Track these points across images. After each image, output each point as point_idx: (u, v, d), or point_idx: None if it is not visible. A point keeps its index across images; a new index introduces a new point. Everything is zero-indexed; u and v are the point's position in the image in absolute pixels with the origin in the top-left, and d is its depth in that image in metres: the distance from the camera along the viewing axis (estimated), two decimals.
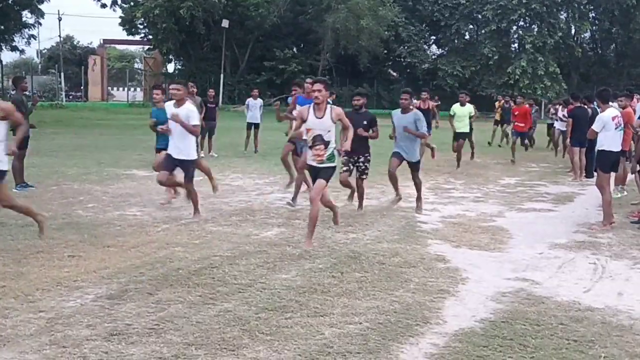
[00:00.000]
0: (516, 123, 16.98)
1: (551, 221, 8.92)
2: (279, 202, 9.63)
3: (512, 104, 20.56)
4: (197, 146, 15.37)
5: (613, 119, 8.38)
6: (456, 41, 49.79)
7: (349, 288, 5.47)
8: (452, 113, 15.07)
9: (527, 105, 18.03)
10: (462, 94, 15.43)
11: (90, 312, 4.74)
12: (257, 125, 17.30)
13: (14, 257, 6.17)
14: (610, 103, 13.69)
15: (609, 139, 8.35)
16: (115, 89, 58.36)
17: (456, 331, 4.57)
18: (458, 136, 14.84)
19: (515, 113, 17.11)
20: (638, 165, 9.16)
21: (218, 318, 4.67)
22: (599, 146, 8.46)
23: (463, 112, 14.96)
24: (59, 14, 52.51)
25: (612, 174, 10.12)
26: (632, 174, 9.99)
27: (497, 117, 22.25)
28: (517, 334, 4.52)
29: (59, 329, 4.39)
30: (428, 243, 7.29)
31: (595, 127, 8.48)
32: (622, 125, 8.64)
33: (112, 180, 11.49)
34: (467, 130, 14.96)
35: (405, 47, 47.32)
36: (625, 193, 10.95)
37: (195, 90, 15.52)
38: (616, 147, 8.42)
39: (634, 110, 12.24)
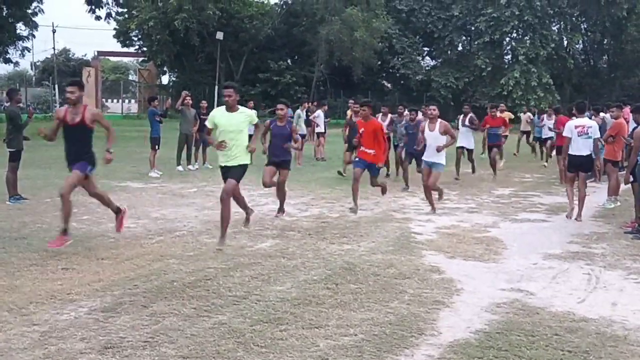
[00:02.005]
0: (362, 148, 9.89)
1: (545, 232, 8.95)
2: (273, 214, 9.63)
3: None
4: (190, 158, 15.55)
5: (576, 127, 9.78)
6: (449, 53, 50.11)
7: (344, 300, 5.47)
8: (209, 125, 8.09)
9: (378, 119, 11.92)
10: (230, 89, 7.82)
11: (84, 325, 4.72)
12: (251, 137, 17.27)
13: (8, 270, 6.15)
14: (602, 114, 13.90)
15: (573, 144, 9.77)
16: (109, 100, 58.37)
17: (451, 342, 4.57)
18: (225, 173, 7.83)
19: (360, 131, 9.90)
20: (631, 177, 9.21)
21: (213, 330, 4.66)
22: (569, 150, 9.94)
23: (231, 123, 7.77)
24: (53, 26, 52.67)
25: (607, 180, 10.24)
26: (625, 184, 10.04)
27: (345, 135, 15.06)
28: (512, 345, 4.52)
29: (53, 342, 4.37)
30: (423, 254, 7.30)
31: (565, 133, 10.07)
32: (588, 134, 9.69)
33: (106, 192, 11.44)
34: (240, 162, 7.82)
35: (399, 59, 47.59)
36: (619, 203, 11.00)
37: (190, 102, 15.58)
38: (579, 151, 9.73)
39: (626, 120, 12.41)
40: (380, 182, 10.31)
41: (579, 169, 9.80)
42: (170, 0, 41.48)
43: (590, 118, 11.68)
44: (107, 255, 6.84)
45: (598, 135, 10.10)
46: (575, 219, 9.70)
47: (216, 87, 44.15)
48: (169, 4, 41.75)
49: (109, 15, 47.99)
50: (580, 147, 9.73)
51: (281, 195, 9.46)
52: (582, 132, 9.72)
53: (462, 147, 14.79)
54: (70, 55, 64.67)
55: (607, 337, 4.74)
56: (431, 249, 7.56)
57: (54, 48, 54.95)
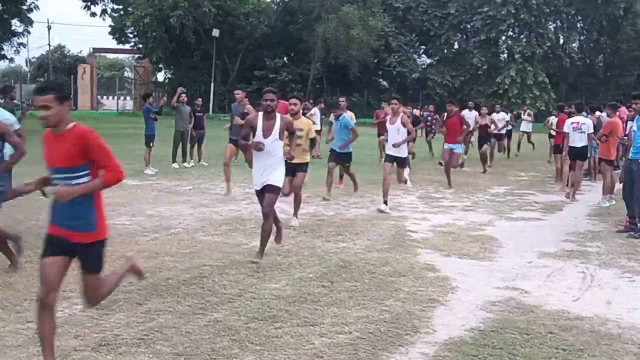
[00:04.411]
0: None
1: (540, 230, 8.96)
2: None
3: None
4: (186, 155, 15.51)
5: (572, 124, 11.86)
6: (445, 51, 50.11)
7: (339, 297, 5.47)
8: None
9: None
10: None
11: (78, 322, 4.71)
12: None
13: (2, 267, 6.12)
14: (598, 113, 14.06)
15: (572, 137, 11.77)
16: (105, 97, 58.15)
17: (446, 340, 4.57)
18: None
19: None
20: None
21: (208, 328, 4.65)
22: (569, 143, 11.95)
23: None
24: (48, 23, 52.48)
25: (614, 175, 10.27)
26: (620, 183, 10.08)
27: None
28: (506, 343, 4.53)
29: None
30: (418, 252, 7.30)
31: (565, 129, 12.07)
32: (582, 129, 11.68)
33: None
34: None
35: (395, 57, 47.56)
36: (614, 202, 11.03)
37: (185, 99, 15.52)
38: (575, 143, 11.76)
39: (622, 120, 12.50)
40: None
41: (576, 158, 11.89)
42: None
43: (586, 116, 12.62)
44: None
45: (591, 131, 11.80)
46: (568, 194, 11.89)
47: (212, 85, 44.10)
48: (164, 1, 41.63)
49: (104, 11, 47.96)
50: (576, 140, 11.75)
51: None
52: (576, 128, 11.72)
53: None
54: (65, 52, 64.38)
55: (601, 335, 4.75)
56: (426, 247, 7.56)
57: (49, 44, 54.82)
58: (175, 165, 15.21)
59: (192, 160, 15.83)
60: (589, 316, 5.18)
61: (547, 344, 4.53)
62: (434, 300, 5.50)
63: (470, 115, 17.14)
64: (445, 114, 14.04)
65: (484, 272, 6.52)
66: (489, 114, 17.47)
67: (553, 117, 18.85)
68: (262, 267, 6.37)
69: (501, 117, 18.44)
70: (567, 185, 13.09)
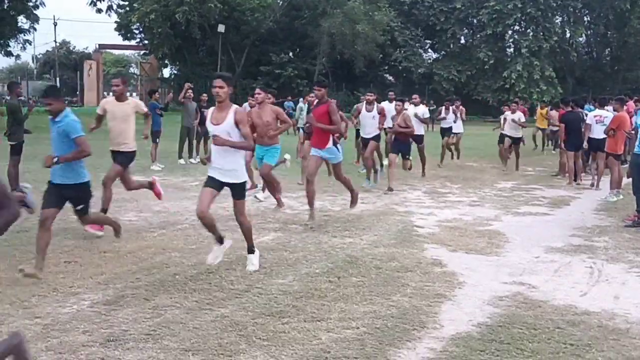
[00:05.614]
0: None
1: (547, 225, 8.93)
2: (274, 207, 9.61)
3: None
4: (192, 151, 15.52)
5: (595, 117, 12.49)
6: (452, 45, 50.02)
7: (346, 293, 5.47)
8: None
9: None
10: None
11: (86, 318, 4.73)
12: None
13: (10, 262, 6.15)
14: (606, 107, 14.09)
15: (594, 129, 12.31)
16: (111, 93, 58.28)
17: (453, 335, 4.56)
18: None
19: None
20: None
21: (215, 323, 4.66)
22: (590, 135, 12.49)
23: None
24: (54, 19, 52.61)
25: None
26: (627, 178, 10.04)
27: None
28: (514, 338, 4.52)
29: (55, 335, 4.38)
30: (425, 247, 7.29)
31: (587, 121, 12.57)
32: (604, 122, 12.06)
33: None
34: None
35: (401, 52, 47.52)
36: (621, 197, 10.98)
37: (191, 95, 15.53)
38: (597, 135, 12.23)
39: (630, 114, 12.50)
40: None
41: (597, 148, 12.33)
42: None
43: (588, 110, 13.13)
44: (109, 248, 6.84)
45: None
46: (592, 184, 12.70)
47: None
48: None
49: (110, 8, 48.05)
50: (598, 132, 12.20)
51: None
52: (599, 121, 12.30)
53: None
54: (71, 48, 64.56)
55: (609, 330, 4.73)
56: (433, 242, 7.55)
57: (55, 41, 54.93)
58: (182, 161, 15.24)
59: (198, 156, 15.83)
60: (596, 311, 5.16)
61: (555, 339, 4.52)
62: (441, 295, 5.49)
63: (390, 108, 13.06)
64: (316, 101, 9.25)
65: (491, 267, 6.51)
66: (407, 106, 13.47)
67: (509, 112, 15.59)
68: (269, 263, 6.38)
69: (420, 112, 14.40)
70: (574, 181, 13.07)
